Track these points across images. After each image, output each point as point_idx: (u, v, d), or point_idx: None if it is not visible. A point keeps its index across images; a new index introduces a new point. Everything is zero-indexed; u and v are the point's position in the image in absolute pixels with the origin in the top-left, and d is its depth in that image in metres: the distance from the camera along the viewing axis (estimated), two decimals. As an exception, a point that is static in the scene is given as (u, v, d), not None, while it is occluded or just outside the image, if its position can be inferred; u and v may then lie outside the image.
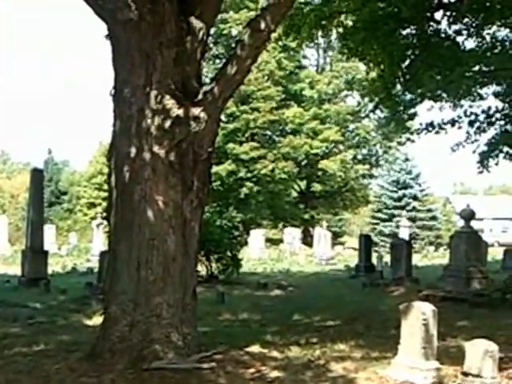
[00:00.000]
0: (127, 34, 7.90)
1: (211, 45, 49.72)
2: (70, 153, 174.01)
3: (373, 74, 19.68)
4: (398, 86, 18.94)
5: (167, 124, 7.77)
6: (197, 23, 8.06)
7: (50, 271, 22.12)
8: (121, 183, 7.99)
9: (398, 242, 24.38)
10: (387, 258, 26.79)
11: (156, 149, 7.78)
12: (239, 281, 20.66)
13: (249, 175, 50.45)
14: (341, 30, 17.71)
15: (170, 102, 7.79)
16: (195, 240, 8.26)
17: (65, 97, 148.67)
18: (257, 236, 40.91)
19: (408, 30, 17.69)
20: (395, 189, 57.64)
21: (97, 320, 11.31)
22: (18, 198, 68.97)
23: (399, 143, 51.24)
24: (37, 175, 21.65)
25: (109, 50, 8.25)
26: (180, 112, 7.81)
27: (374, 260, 26.55)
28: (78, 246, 42.74)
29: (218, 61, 51.71)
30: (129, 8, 7.73)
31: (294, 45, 45.34)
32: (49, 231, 37.03)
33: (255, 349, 9.10)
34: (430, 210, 57.60)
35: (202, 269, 19.56)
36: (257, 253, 37.85)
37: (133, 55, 7.91)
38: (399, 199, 56.79)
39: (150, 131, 7.77)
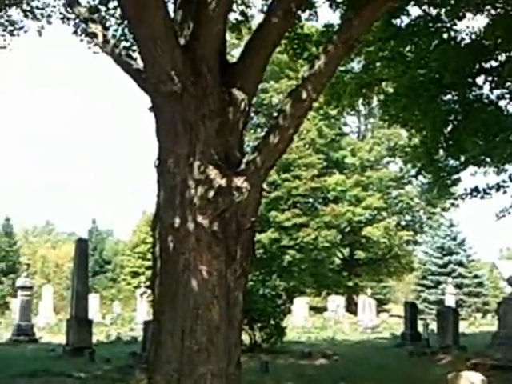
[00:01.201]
0: (170, 105, 8.03)
1: (252, 114, 50.32)
2: (113, 222, 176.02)
3: (415, 140, 19.70)
4: (441, 152, 18.90)
5: (210, 194, 7.82)
6: (239, 94, 8.18)
7: (94, 340, 22.16)
8: (165, 253, 8.03)
9: (444, 309, 24.03)
10: (433, 326, 26.33)
11: (199, 219, 7.82)
12: (283, 350, 20.46)
13: (291, 243, 50.33)
14: (382, 96, 17.83)
15: (212, 172, 7.86)
16: (239, 309, 8.21)
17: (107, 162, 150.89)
18: (300, 304, 40.59)
19: (449, 96, 17.73)
20: (440, 255, 56.89)
21: (141, 390, 11.25)
22: (63, 267, 69.70)
23: (443, 209, 50.88)
24: (81, 245, 21.92)
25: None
26: (223, 182, 7.87)
27: (420, 328, 26.09)
28: (122, 315, 42.81)
29: (259, 130, 52.29)
30: (172, 81, 7.88)
31: (334, 112, 45.89)
32: (93, 300, 37.21)
33: (301, 420, 8.94)
34: (476, 277, 56.62)
35: (245, 338, 19.41)
36: (301, 321, 37.51)
37: (176, 126, 8.03)
38: (444, 266, 55.97)
39: (193, 201, 7.83)
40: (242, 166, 8.12)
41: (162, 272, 8.15)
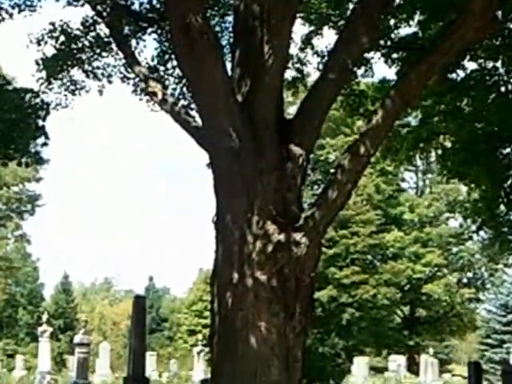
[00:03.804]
0: (228, 162, 8.08)
1: (309, 171, 50.28)
2: (170, 280, 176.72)
3: (474, 195, 19.39)
4: (502, 207, 18.56)
5: (269, 249, 7.78)
6: (297, 150, 8.18)
7: (151, 399, 21.99)
8: (223, 309, 7.98)
9: (509, 368, 23.32)
10: (499, 386, 25.59)
11: (258, 274, 7.76)
12: (343, 410, 20.03)
13: (350, 301, 49.68)
14: (439, 151, 17.65)
15: (271, 227, 7.83)
16: (299, 368, 8.06)
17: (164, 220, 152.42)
18: (360, 363, 39.83)
19: (508, 150, 17.49)
20: (504, 313, 55.35)
21: None
22: (120, 325, 69.96)
23: (505, 265, 49.80)
24: (139, 302, 21.90)
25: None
26: (281, 237, 7.82)
27: (485, 388, 25.33)
28: (179, 374, 42.58)
29: (315, 187, 52.21)
30: (230, 137, 7.94)
31: (391, 169, 45.56)
32: (150, 358, 37.10)
33: None
34: (543, 334, 54.89)
35: (304, 398, 19.08)
36: (360, 381, 36.76)
37: (234, 182, 8.06)
38: (509, 324, 54.39)
39: (251, 257, 7.79)
40: (301, 222, 8.07)
41: (220, 329, 8.08)
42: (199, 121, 8.68)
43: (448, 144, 17.39)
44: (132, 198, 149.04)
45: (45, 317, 35.86)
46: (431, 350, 41.84)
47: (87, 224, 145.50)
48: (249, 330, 7.76)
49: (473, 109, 15.99)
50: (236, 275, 7.84)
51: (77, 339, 28.78)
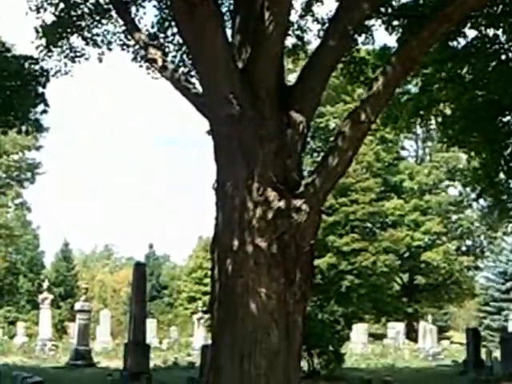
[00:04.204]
0: (228, 129, 8.06)
1: (308, 138, 50.19)
2: (170, 247, 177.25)
3: (474, 163, 19.41)
4: (502, 175, 18.58)
5: (269, 216, 7.79)
6: (297, 116, 8.16)
7: (151, 365, 22.15)
8: (223, 276, 8.01)
9: (507, 336, 23.48)
10: (497, 353, 25.78)
11: (258, 241, 7.78)
12: (342, 377, 20.17)
13: (349, 268, 49.87)
14: (440, 118, 17.61)
15: (271, 194, 7.83)
16: (299, 334, 8.11)
17: (166, 190, 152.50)
18: (359, 330, 40.11)
19: (509, 118, 17.46)
20: (503, 280, 55.58)
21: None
22: (120, 292, 70.31)
23: (504, 233, 49.93)
24: (140, 269, 22.03)
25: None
26: (282, 204, 7.83)
27: (483, 355, 25.52)
28: (179, 340, 42.84)
29: (315, 154, 52.14)
30: (230, 104, 7.92)
31: (391, 136, 45.37)
32: (150, 325, 37.32)
33: None
34: (541, 302, 55.15)
35: (303, 364, 19.20)
36: (359, 348, 37.06)
37: (234, 149, 8.05)
38: (507, 291, 54.65)
39: (252, 223, 7.80)
40: (301, 189, 8.07)
41: (220, 295, 8.12)
42: (199, 88, 8.65)
43: (448, 111, 17.36)
44: (132, 165, 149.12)
45: (45, 284, 36.03)
46: (430, 317, 42.02)
47: (87, 191, 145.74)
48: (249, 296, 7.79)
49: (473, 76, 15.94)
50: (236, 242, 7.86)
51: (77, 306, 29.00)
